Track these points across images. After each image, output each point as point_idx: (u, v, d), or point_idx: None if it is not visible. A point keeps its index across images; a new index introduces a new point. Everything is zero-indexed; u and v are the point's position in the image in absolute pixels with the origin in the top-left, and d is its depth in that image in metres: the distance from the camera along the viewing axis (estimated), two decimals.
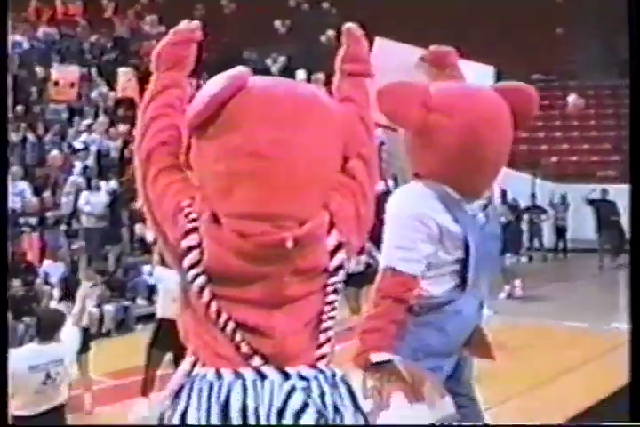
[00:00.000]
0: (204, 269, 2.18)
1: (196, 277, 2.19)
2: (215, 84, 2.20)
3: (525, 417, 5.61)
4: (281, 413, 2.13)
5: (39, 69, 17.21)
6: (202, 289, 2.19)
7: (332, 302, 2.30)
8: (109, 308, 12.00)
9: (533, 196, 19.50)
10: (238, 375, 2.17)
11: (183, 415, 2.17)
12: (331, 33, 22.93)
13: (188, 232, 2.19)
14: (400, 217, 3.45)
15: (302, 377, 2.20)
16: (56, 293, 10.58)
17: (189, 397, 2.19)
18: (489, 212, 3.62)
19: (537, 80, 23.56)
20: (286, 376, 2.19)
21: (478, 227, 3.50)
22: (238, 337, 2.19)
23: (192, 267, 2.19)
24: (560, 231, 19.36)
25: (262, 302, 2.20)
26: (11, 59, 15.31)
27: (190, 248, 2.19)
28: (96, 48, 19.34)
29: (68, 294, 8.77)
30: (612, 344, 9.29)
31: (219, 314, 2.19)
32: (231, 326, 2.19)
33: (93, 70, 18.54)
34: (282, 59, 23.30)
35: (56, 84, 16.82)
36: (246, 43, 23.39)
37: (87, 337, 7.93)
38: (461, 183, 3.46)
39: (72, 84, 17.01)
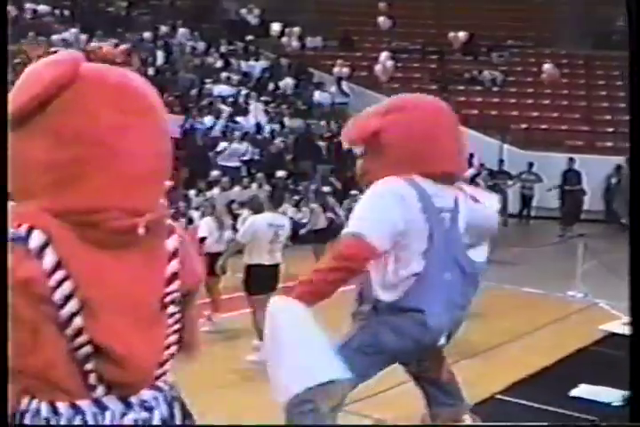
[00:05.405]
0: (74, 286, 1.85)
1: (67, 298, 1.85)
2: (46, 69, 1.90)
3: (476, 379, 5.73)
4: None
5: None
6: (73, 315, 1.86)
7: (174, 314, 2.06)
8: None
9: (501, 161, 19.61)
10: (76, 409, 1.93)
11: None
12: None
13: (42, 249, 1.83)
14: (383, 193, 3.55)
15: (145, 407, 2.00)
16: None
17: None
18: (456, 213, 3.70)
19: (512, 46, 23.60)
20: (128, 406, 1.98)
21: (443, 227, 3.62)
22: (89, 365, 1.90)
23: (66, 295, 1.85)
24: (525, 199, 19.50)
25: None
26: None
27: (54, 269, 1.84)
28: None
29: None
30: (566, 311, 9.46)
31: (76, 335, 1.88)
32: (87, 349, 1.89)
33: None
34: (257, 11, 23.21)
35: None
36: None
37: None
38: None
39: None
